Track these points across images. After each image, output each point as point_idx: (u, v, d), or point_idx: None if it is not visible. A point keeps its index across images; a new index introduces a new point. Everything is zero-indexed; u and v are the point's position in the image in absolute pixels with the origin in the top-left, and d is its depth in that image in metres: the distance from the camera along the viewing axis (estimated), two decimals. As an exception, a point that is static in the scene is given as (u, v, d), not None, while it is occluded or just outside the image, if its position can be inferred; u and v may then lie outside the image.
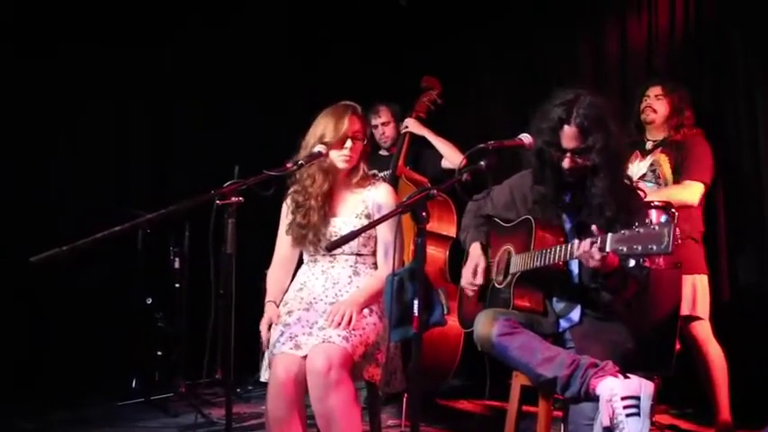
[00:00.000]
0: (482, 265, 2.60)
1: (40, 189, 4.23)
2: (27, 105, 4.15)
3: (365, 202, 2.74)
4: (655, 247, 1.92)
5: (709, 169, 3.31)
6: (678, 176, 3.32)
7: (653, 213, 2.95)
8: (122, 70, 4.50)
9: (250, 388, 4.34)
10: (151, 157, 4.75)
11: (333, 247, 2.01)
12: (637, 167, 3.46)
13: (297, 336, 2.49)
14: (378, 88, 4.57)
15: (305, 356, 2.45)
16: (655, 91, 3.47)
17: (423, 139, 4.11)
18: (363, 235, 2.67)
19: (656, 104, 3.45)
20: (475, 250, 2.66)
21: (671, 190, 3.28)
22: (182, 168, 4.81)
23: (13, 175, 4.09)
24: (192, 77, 4.78)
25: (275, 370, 2.45)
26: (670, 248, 1.89)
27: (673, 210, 3.03)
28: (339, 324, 2.48)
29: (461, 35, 5.01)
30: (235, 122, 4.96)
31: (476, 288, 2.58)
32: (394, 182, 3.91)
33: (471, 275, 2.59)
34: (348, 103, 2.72)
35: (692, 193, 3.27)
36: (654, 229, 1.93)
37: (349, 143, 2.64)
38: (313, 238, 2.68)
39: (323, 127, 2.65)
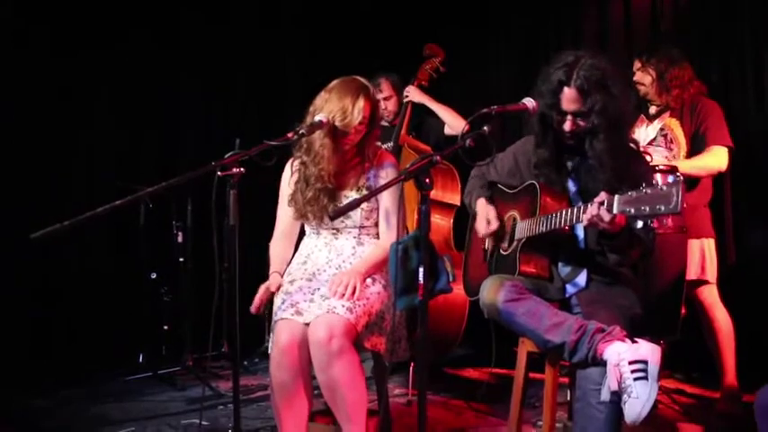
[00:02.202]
0: (492, 211, 2.57)
1: (44, 171, 4.20)
2: (30, 95, 4.11)
3: (368, 175, 2.72)
4: (663, 207, 1.89)
5: (726, 129, 3.25)
6: (696, 143, 3.25)
7: (658, 177, 2.92)
8: (127, 51, 4.47)
9: (256, 360, 4.37)
10: (156, 135, 4.71)
11: (337, 214, 1.99)
12: (644, 133, 3.41)
13: (298, 303, 2.49)
14: (380, 58, 4.53)
15: (307, 324, 2.45)
16: (636, 65, 3.43)
17: (425, 107, 4.07)
18: (366, 208, 2.67)
19: (640, 78, 3.41)
20: (481, 204, 2.64)
21: (699, 159, 3.21)
22: (187, 147, 4.80)
23: (18, 159, 4.07)
24: (195, 57, 4.74)
25: (278, 336, 2.45)
26: (679, 208, 1.87)
27: (678, 173, 2.99)
28: (343, 295, 2.47)
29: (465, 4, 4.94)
30: (237, 99, 4.93)
31: (493, 232, 2.54)
32: (397, 151, 3.89)
33: (485, 224, 2.55)
34: (362, 82, 2.66)
35: (721, 158, 3.21)
36: (662, 189, 1.90)
37: (353, 129, 2.61)
38: (318, 213, 2.66)
39: (333, 105, 2.59)
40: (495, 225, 2.53)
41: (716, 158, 3.21)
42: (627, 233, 2.18)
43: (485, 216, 2.57)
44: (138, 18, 4.49)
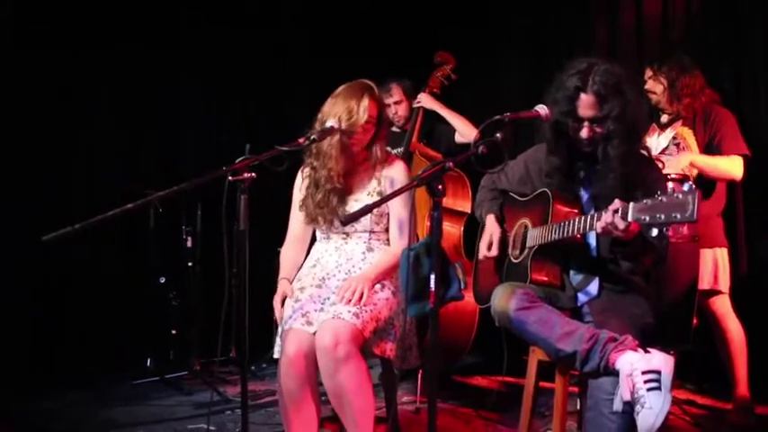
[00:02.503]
0: (497, 235, 2.58)
1: (53, 172, 4.21)
2: (30, 95, 4.11)
3: (378, 179, 2.73)
4: (679, 216, 1.87)
5: (741, 138, 3.22)
6: (710, 153, 3.22)
7: (670, 185, 2.90)
8: (127, 51, 4.47)
9: (264, 366, 4.36)
10: (156, 135, 4.71)
11: (348, 220, 1.98)
12: (656, 142, 3.38)
13: (308, 312, 2.49)
14: (390, 63, 4.51)
15: (315, 333, 2.44)
16: (647, 74, 3.40)
17: (436, 114, 4.06)
18: (376, 212, 2.68)
19: (651, 86, 3.38)
20: (490, 222, 2.64)
21: (716, 160, 3.18)
22: (187, 147, 4.79)
23: (19, 159, 4.07)
24: (199, 58, 4.75)
25: (286, 347, 2.46)
26: (695, 216, 1.85)
27: (690, 182, 2.97)
28: (350, 300, 2.46)
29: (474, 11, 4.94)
30: (244, 104, 4.93)
31: (492, 259, 2.57)
32: (408, 158, 3.88)
33: (486, 248, 2.59)
34: (366, 83, 2.69)
35: (737, 167, 3.18)
36: (677, 197, 1.88)
37: (360, 128, 2.63)
38: (329, 215, 2.66)
39: (339, 108, 2.62)
40: (495, 253, 2.56)
41: (732, 165, 3.18)
42: (640, 240, 2.16)
43: (488, 238, 2.60)
44: (137, 17, 4.47)
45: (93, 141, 4.45)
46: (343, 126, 2.58)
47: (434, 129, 4.13)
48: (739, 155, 3.19)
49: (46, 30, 4.16)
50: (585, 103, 2.27)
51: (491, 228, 2.62)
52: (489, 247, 2.59)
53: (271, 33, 5.01)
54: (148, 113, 4.61)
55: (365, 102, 2.61)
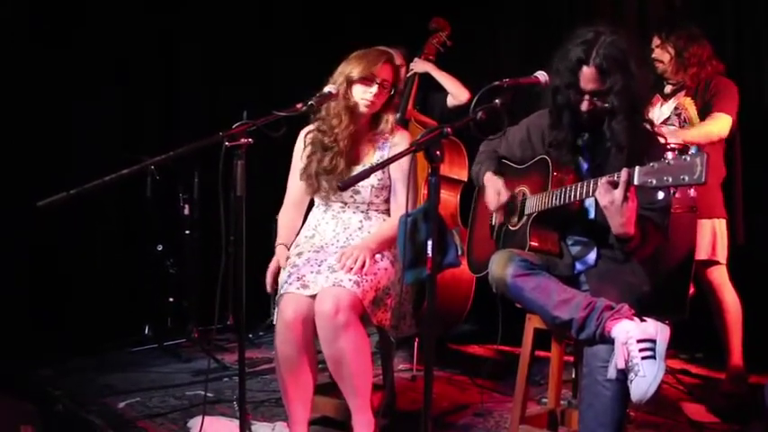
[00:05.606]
0: (500, 182, 2.52)
1: (50, 139, 4.16)
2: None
3: (383, 150, 2.71)
4: (687, 178, 1.85)
5: (734, 102, 3.20)
6: (705, 115, 3.20)
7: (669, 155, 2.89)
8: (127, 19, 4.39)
9: (261, 333, 4.38)
10: (158, 106, 4.66)
11: (346, 185, 1.96)
12: (659, 111, 3.37)
13: (304, 275, 2.48)
14: (386, 30, 4.46)
15: (313, 296, 2.44)
16: (655, 42, 3.38)
17: (430, 81, 4.03)
18: (377, 185, 2.67)
19: (658, 55, 3.35)
20: (489, 177, 2.60)
21: (700, 127, 3.17)
22: (189, 119, 4.74)
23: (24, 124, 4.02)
24: (197, 23, 4.68)
25: (283, 311, 2.45)
26: (703, 178, 1.83)
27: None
28: (351, 269, 2.46)
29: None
30: (242, 68, 4.88)
31: (504, 204, 2.50)
32: (403, 125, 3.85)
33: (495, 196, 2.51)
34: (384, 49, 2.70)
35: (721, 124, 3.16)
36: (685, 159, 1.87)
37: (375, 88, 2.61)
38: (333, 182, 2.64)
39: (353, 66, 2.61)
40: (505, 196, 2.49)
41: (716, 124, 3.16)
42: (639, 235, 2.14)
43: (494, 188, 2.54)
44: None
45: (92, 110, 4.37)
46: (355, 77, 2.57)
47: (428, 96, 4.11)
48: (726, 113, 3.16)
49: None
50: (587, 76, 2.22)
51: (492, 180, 2.57)
52: (498, 194, 2.51)
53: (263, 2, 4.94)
54: (147, 81, 4.54)
55: (379, 62, 2.61)
